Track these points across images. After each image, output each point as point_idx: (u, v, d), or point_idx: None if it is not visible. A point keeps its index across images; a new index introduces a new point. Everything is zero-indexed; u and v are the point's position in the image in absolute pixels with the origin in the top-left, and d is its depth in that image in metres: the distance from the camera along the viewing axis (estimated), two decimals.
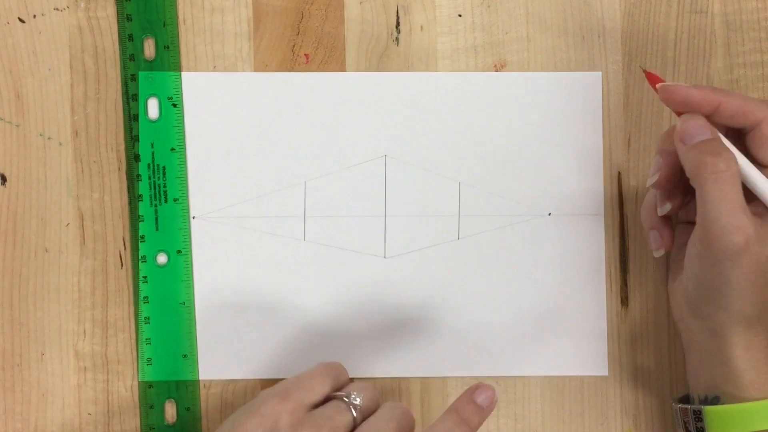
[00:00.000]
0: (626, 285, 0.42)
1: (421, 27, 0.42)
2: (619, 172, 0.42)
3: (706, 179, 0.34)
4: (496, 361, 0.42)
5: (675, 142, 0.36)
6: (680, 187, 0.37)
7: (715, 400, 0.36)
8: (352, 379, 0.38)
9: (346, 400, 0.35)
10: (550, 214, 0.42)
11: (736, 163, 0.35)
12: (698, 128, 0.35)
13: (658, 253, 0.39)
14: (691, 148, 0.35)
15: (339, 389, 0.37)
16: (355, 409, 0.35)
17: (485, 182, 0.42)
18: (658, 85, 0.36)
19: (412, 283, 0.42)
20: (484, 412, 0.36)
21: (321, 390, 0.36)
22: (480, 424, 0.36)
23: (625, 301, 0.42)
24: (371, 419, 0.35)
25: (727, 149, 0.35)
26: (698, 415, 0.36)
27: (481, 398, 0.36)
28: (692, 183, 0.35)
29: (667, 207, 0.37)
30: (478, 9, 0.43)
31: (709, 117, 0.36)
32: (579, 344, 0.42)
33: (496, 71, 0.42)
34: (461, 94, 0.42)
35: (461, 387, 0.42)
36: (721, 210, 0.34)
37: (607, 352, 0.42)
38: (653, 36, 0.42)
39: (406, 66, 0.42)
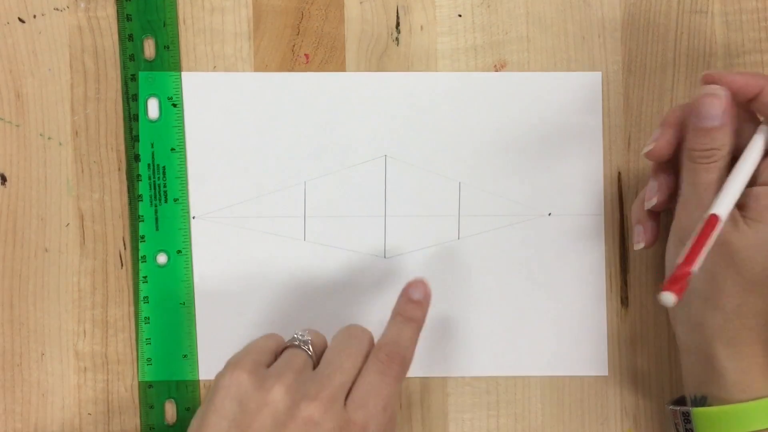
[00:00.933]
0: (626, 285, 0.42)
1: (421, 27, 0.42)
2: (619, 172, 0.42)
3: (697, 165, 0.35)
4: (496, 361, 0.42)
5: (689, 114, 0.36)
6: (670, 177, 0.38)
7: (703, 401, 0.36)
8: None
9: (296, 342, 0.36)
10: (550, 214, 0.42)
11: (730, 153, 0.35)
12: (714, 108, 0.35)
13: (638, 246, 0.39)
14: (698, 129, 0.35)
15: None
16: (307, 346, 0.36)
17: (485, 182, 0.42)
18: (703, 73, 0.36)
19: None
20: (422, 304, 0.38)
21: (269, 347, 0.36)
22: (424, 316, 0.38)
23: (625, 301, 0.42)
24: (329, 349, 0.36)
25: (730, 141, 0.35)
26: (687, 417, 0.36)
27: (416, 294, 0.38)
28: (683, 161, 0.36)
29: (653, 201, 0.38)
30: (478, 9, 0.43)
31: (751, 103, 0.35)
32: (579, 344, 0.42)
33: (496, 71, 0.42)
34: (461, 94, 0.42)
35: (461, 387, 0.42)
36: (699, 192, 0.35)
37: (607, 352, 0.42)
38: (653, 36, 0.42)
39: (406, 66, 0.42)
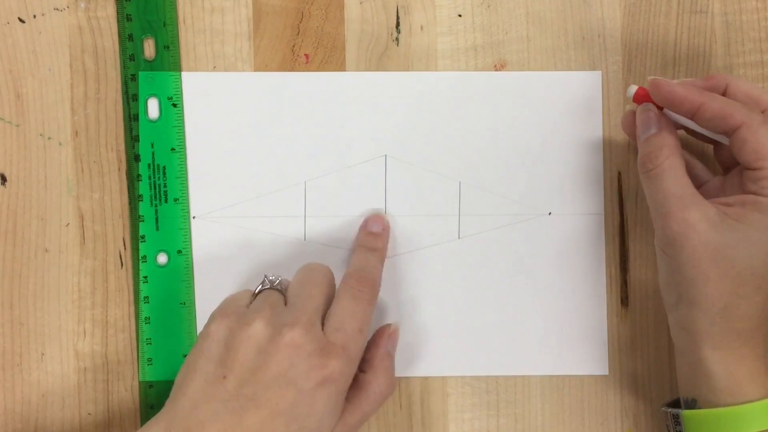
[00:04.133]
0: (626, 285, 0.42)
1: (421, 27, 0.42)
2: (619, 172, 0.42)
3: (646, 175, 0.36)
4: (496, 361, 0.42)
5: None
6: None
7: (694, 403, 0.36)
8: None
9: (268, 284, 0.38)
10: (550, 213, 0.42)
11: (677, 154, 0.36)
12: (647, 122, 0.37)
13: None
14: (641, 144, 0.37)
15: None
16: (279, 285, 0.38)
17: (485, 182, 0.42)
18: (649, 78, 0.37)
19: (412, 283, 0.42)
20: (382, 235, 0.41)
21: (246, 295, 0.38)
22: (384, 245, 0.41)
23: (625, 301, 0.42)
24: (294, 284, 0.38)
25: (670, 142, 0.36)
26: (677, 419, 0.36)
27: (375, 227, 0.41)
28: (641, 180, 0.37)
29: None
30: (478, 9, 0.43)
31: (692, 118, 0.36)
32: (579, 344, 0.42)
33: (496, 71, 0.42)
34: (461, 94, 0.42)
35: (461, 387, 0.42)
36: (660, 200, 0.35)
37: (607, 352, 0.42)
38: (653, 36, 0.42)
39: (406, 66, 0.42)
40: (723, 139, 0.37)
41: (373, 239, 0.41)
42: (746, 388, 0.34)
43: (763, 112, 0.36)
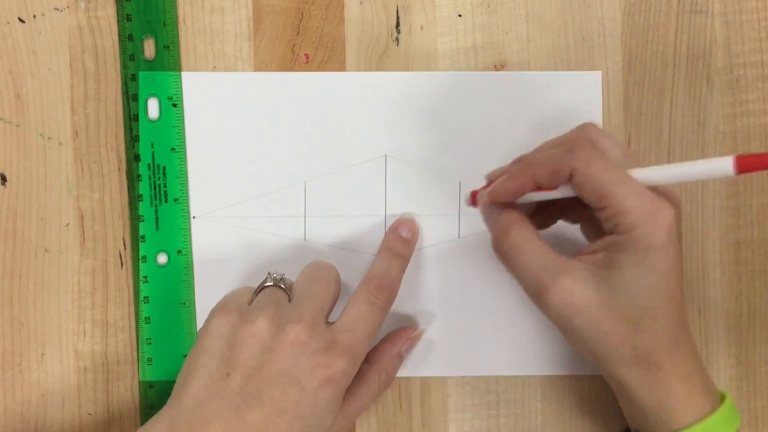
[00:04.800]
0: None
1: (421, 27, 0.42)
2: None
3: (504, 257, 0.35)
4: (496, 361, 0.42)
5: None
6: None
7: None
8: None
9: (270, 281, 0.37)
10: None
11: (527, 226, 0.35)
12: (488, 209, 0.37)
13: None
14: (490, 232, 0.36)
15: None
16: (282, 282, 0.37)
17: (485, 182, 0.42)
18: (480, 195, 0.37)
19: (412, 283, 0.42)
20: (410, 242, 0.41)
21: (248, 291, 0.38)
22: (410, 253, 0.41)
23: None
24: (299, 282, 0.38)
25: (515, 217, 0.35)
26: None
27: (404, 232, 0.41)
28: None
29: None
30: (478, 9, 0.43)
31: (533, 190, 0.35)
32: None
33: (496, 71, 0.42)
34: (461, 94, 0.42)
35: (461, 387, 0.42)
36: (528, 278, 0.34)
37: None
38: (653, 36, 0.42)
39: (406, 66, 0.42)
40: (569, 192, 0.35)
41: (401, 244, 0.40)
42: (678, 415, 0.34)
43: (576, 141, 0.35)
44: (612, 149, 0.34)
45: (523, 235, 0.35)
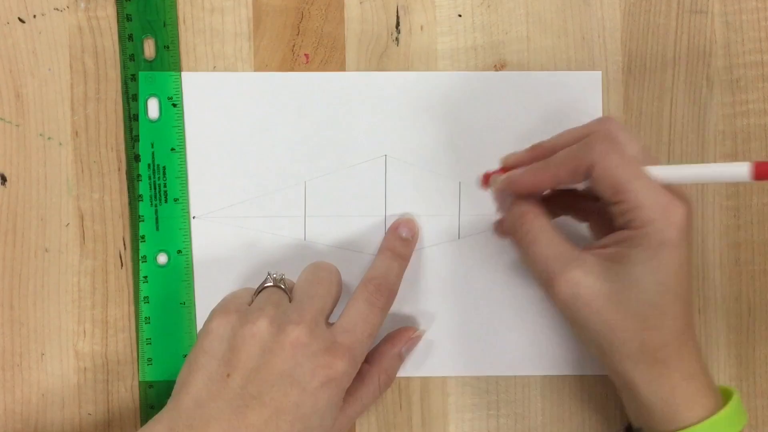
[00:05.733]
0: None
1: (421, 27, 0.42)
2: None
3: (520, 244, 0.36)
4: (496, 361, 0.42)
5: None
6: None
7: (640, 431, 0.36)
8: None
9: (271, 282, 0.37)
10: None
11: (541, 216, 0.36)
12: (502, 196, 0.38)
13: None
14: (506, 219, 0.37)
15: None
16: (282, 283, 0.37)
17: None
18: (493, 180, 0.38)
19: (412, 283, 0.42)
20: (410, 242, 0.41)
21: (247, 292, 0.38)
22: (410, 253, 0.41)
23: None
24: (301, 282, 0.38)
25: (532, 207, 0.36)
26: None
27: (404, 232, 0.41)
28: None
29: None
30: (478, 9, 0.43)
31: (553, 188, 0.36)
32: (579, 344, 0.42)
33: (496, 71, 0.42)
34: (461, 94, 0.42)
35: (461, 387, 0.42)
36: (541, 266, 0.35)
37: None
38: (653, 36, 0.42)
39: (406, 66, 0.42)
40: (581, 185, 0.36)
41: (401, 245, 0.40)
42: (684, 413, 0.34)
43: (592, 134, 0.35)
44: (630, 144, 0.34)
45: (539, 223, 0.36)
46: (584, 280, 0.34)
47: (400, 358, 0.40)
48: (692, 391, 0.34)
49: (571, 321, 0.35)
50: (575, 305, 0.34)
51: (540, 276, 0.35)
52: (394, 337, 0.40)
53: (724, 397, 0.35)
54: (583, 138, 0.35)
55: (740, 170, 0.30)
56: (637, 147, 0.35)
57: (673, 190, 0.34)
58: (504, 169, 0.38)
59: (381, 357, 0.39)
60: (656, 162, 0.35)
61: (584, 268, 0.34)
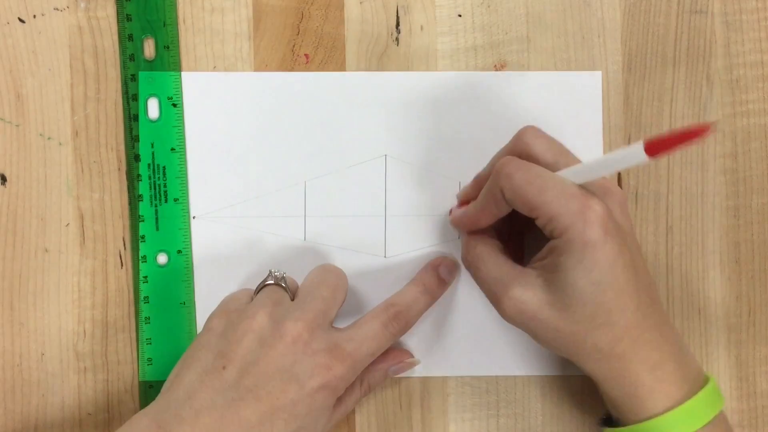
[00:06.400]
0: None
1: (421, 27, 0.42)
2: (619, 173, 0.42)
3: (469, 270, 0.37)
4: (496, 361, 0.42)
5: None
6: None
7: (609, 420, 0.37)
8: None
9: (271, 280, 0.37)
10: None
11: (485, 241, 0.37)
12: (456, 225, 0.39)
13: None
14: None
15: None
16: (283, 281, 0.37)
17: None
18: (451, 215, 0.39)
19: None
20: (446, 284, 0.41)
21: (248, 292, 0.38)
22: (441, 294, 0.40)
23: None
24: (306, 282, 0.38)
25: (477, 234, 0.37)
26: None
27: (444, 272, 0.40)
28: None
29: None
30: (478, 9, 0.43)
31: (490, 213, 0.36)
32: None
33: (496, 71, 0.42)
34: (461, 94, 0.42)
35: (461, 387, 0.42)
36: (487, 288, 0.36)
37: None
38: (653, 36, 0.42)
39: (406, 66, 0.42)
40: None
41: (436, 283, 0.40)
42: (648, 404, 0.34)
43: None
44: (547, 152, 0.35)
45: (482, 248, 0.37)
46: (524, 295, 0.34)
47: (385, 376, 0.40)
48: (656, 381, 0.34)
49: (529, 334, 0.36)
50: (523, 321, 0.35)
51: (489, 298, 0.36)
52: (388, 354, 0.40)
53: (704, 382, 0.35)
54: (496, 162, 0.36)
55: (636, 152, 0.29)
56: (553, 152, 0.35)
57: (595, 185, 0.34)
58: (461, 203, 0.40)
59: (369, 367, 0.39)
60: (577, 160, 0.35)
61: (524, 284, 0.34)
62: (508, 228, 0.38)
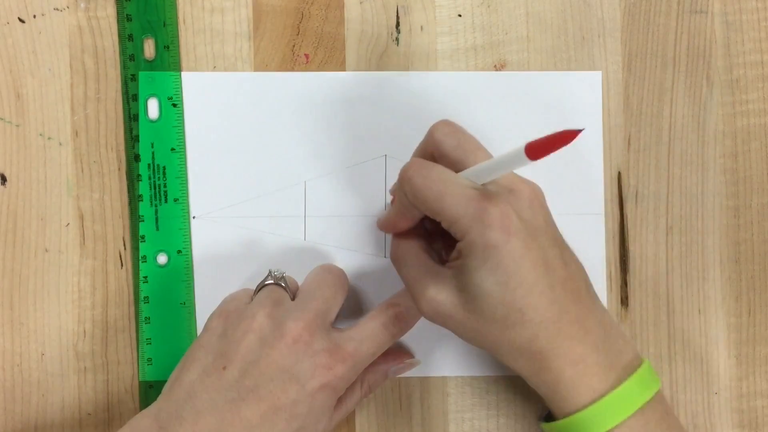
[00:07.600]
0: (626, 285, 0.42)
1: (421, 27, 0.42)
2: (619, 172, 0.42)
3: (395, 268, 0.37)
4: (497, 361, 0.42)
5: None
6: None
7: (550, 415, 0.36)
8: None
9: (271, 279, 0.37)
10: None
11: (408, 242, 0.36)
12: (384, 227, 0.38)
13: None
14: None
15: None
16: (283, 281, 0.37)
17: None
18: (378, 220, 0.38)
19: None
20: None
21: (248, 293, 0.38)
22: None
23: (625, 301, 0.42)
24: (306, 282, 0.37)
25: (401, 234, 0.36)
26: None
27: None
28: None
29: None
30: (478, 9, 0.43)
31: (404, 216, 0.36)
32: None
33: (496, 71, 0.42)
34: (461, 94, 0.42)
35: (461, 387, 0.42)
36: (408, 287, 0.35)
37: None
38: (653, 36, 0.42)
39: (406, 66, 0.42)
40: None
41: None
42: (571, 398, 0.34)
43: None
44: (456, 149, 0.35)
45: (405, 247, 0.36)
46: (439, 295, 0.34)
47: (385, 377, 0.40)
48: (578, 375, 0.33)
49: (453, 332, 0.35)
50: (441, 320, 0.34)
51: (412, 297, 0.35)
52: (388, 354, 0.39)
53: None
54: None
55: (520, 155, 0.29)
56: (464, 149, 0.34)
57: (500, 184, 0.34)
58: (393, 201, 0.39)
59: (369, 368, 0.38)
60: (492, 154, 0.35)
61: (440, 285, 0.34)
62: (438, 226, 0.37)
